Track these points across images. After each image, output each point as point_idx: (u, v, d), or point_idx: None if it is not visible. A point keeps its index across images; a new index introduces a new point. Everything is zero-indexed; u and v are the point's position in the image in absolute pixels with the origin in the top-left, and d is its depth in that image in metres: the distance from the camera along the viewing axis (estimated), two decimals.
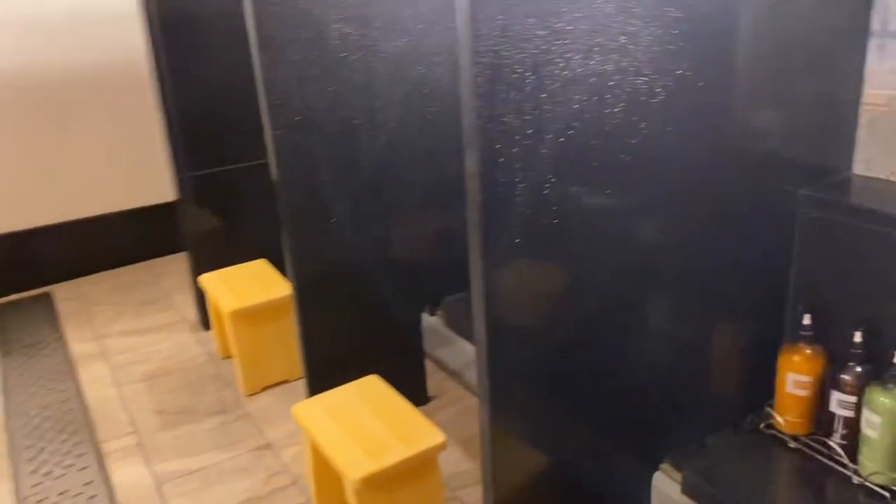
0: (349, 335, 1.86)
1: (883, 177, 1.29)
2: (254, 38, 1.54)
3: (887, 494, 1.16)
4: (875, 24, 1.24)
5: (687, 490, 1.29)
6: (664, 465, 1.34)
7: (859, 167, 1.32)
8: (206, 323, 2.51)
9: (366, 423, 1.45)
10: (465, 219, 1.02)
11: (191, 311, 2.62)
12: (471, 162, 0.97)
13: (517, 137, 0.97)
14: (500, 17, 0.91)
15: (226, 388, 2.17)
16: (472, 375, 2.10)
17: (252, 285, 2.17)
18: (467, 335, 1.95)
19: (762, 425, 1.35)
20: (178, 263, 3.02)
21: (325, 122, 1.68)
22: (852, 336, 1.20)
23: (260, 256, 2.38)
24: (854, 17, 1.24)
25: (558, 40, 0.96)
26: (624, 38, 1.01)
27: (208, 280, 2.26)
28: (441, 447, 1.38)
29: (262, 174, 1.97)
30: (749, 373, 1.37)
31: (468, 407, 1.99)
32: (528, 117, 0.97)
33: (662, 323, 1.24)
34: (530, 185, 1.00)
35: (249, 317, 2.06)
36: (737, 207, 1.23)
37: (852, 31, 1.25)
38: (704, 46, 1.09)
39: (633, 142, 1.07)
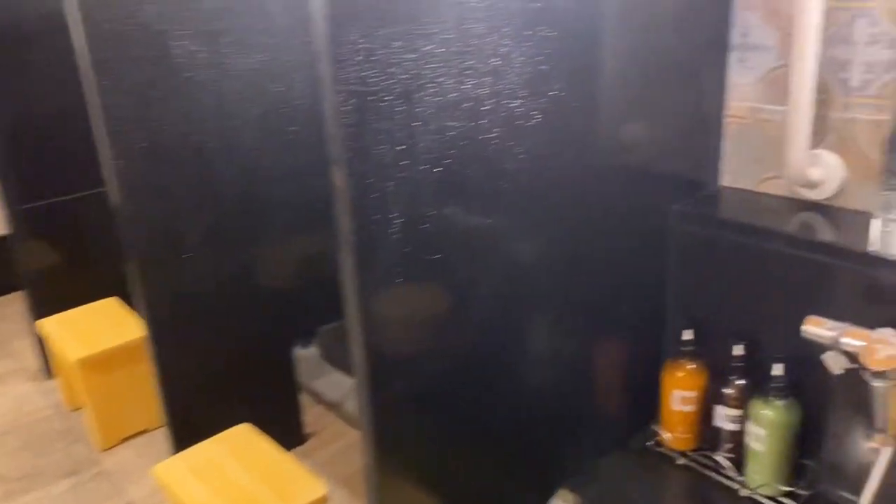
0: (214, 375, 1.71)
1: (749, 188, 1.31)
2: (85, 58, 1.37)
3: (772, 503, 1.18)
4: (735, 38, 1.25)
5: None
6: (561, 492, 1.30)
7: (726, 179, 1.34)
8: (49, 371, 2.26)
9: (237, 480, 1.32)
10: (337, 243, 0.93)
11: (31, 359, 2.35)
12: (340, 199, 0.88)
13: (390, 170, 0.89)
14: (362, 41, 0.82)
15: (77, 444, 1.94)
16: (351, 406, 2.00)
17: (101, 327, 1.96)
18: (345, 367, 1.85)
19: (650, 443, 1.33)
20: (13, 305, 2.71)
21: (174, 147, 1.53)
22: (733, 350, 1.21)
23: (111, 294, 2.16)
24: (715, 32, 1.25)
25: (428, 64, 0.88)
26: (496, 59, 0.95)
27: (51, 324, 2.02)
28: (322, 501, 1.27)
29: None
30: (635, 391, 1.36)
31: (350, 443, 1.89)
32: (401, 147, 0.89)
33: (547, 345, 1.20)
34: (407, 219, 0.92)
35: (100, 363, 1.86)
36: (615, 225, 1.21)
37: (714, 45, 1.26)
38: (577, 66, 1.05)
39: (512, 167, 1.01)
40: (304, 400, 2.01)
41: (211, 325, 1.68)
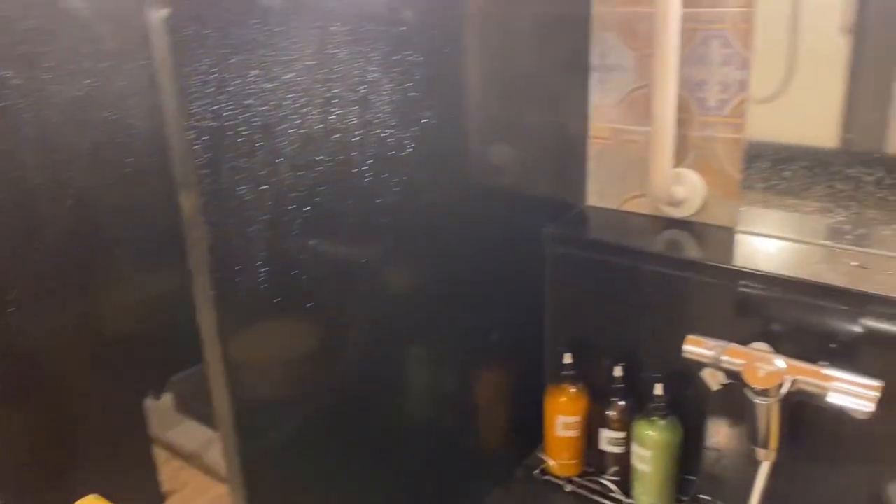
0: (51, 445, 1.51)
1: (615, 207, 1.32)
2: None
3: None
4: (594, 59, 1.25)
5: None
6: None
7: (593, 199, 1.34)
8: None
9: None
10: (188, 284, 0.82)
11: None
12: (196, 251, 0.77)
13: (253, 212, 0.79)
14: (214, 70, 0.72)
15: None
16: (212, 457, 1.84)
17: None
18: (203, 417, 1.70)
19: (536, 472, 1.30)
20: None
21: None
22: (614, 371, 1.20)
23: None
24: (574, 53, 1.25)
25: (290, 94, 0.80)
26: (364, 87, 0.87)
27: None
28: None
29: None
30: (519, 419, 1.32)
31: (215, 497, 1.73)
32: (264, 187, 0.80)
33: (427, 378, 1.14)
34: (275, 266, 0.83)
35: None
36: (491, 250, 1.17)
37: (574, 66, 1.26)
38: (445, 91, 1.00)
39: (387, 199, 0.94)
40: (159, 455, 1.82)
41: (45, 387, 1.48)
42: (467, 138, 1.08)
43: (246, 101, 0.76)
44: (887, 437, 1.00)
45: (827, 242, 1.11)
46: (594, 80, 1.27)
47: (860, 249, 1.08)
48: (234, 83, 0.74)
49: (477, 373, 1.23)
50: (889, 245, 1.06)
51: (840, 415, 0.97)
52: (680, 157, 1.21)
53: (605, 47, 1.24)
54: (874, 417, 0.95)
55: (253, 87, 0.76)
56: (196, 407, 1.73)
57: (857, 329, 1.00)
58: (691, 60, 1.15)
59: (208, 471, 1.83)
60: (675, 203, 1.22)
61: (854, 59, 1.02)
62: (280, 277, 0.84)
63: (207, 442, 1.86)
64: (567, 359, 1.24)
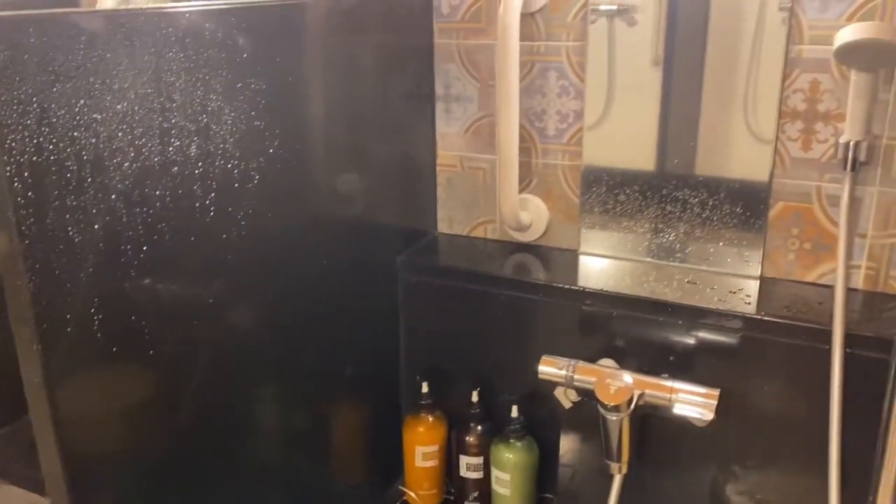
0: None
1: (465, 233, 1.34)
2: None
3: None
4: (439, 89, 1.27)
5: None
6: None
7: (444, 226, 1.35)
8: None
9: None
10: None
11: None
12: (15, 300, 0.69)
13: (84, 255, 0.72)
14: (36, 100, 0.65)
15: None
16: None
17: None
18: (21, 480, 1.52)
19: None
20: None
21: None
22: (470, 396, 1.21)
23: None
24: (420, 84, 1.26)
25: (123, 125, 0.74)
26: (206, 116, 0.83)
27: None
28: None
29: None
30: (379, 452, 1.30)
31: None
32: (97, 227, 0.73)
33: (282, 417, 1.09)
34: (110, 312, 0.76)
35: None
36: (344, 283, 1.14)
37: (420, 97, 1.27)
38: (291, 120, 0.97)
39: (233, 234, 0.89)
40: None
41: None
42: (315, 169, 1.05)
43: (73, 134, 0.69)
44: (723, 442, 1.08)
45: (661, 261, 1.18)
46: (440, 109, 1.28)
47: (690, 266, 1.16)
48: (58, 114, 0.68)
49: (332, 408, 1.19)
50: (713, 261, 1.14)
51: (681, 423, 1.03)
52: (524, 184, 1.25)
53: (449, 78, 1.26)
54: (711, 423, 1.02)
55: (81, 117, 0.70)
56: (13, 469, 1.55)
57: (691, 341, 1.06)
58: (530, 91, 1.19)
59: None
60: (522, 228, 1.25)
61: (664, 89, 1.10)
62: (117, 324, 0.77)
63: None
64: (424, 388, 1.23)
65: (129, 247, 0.76)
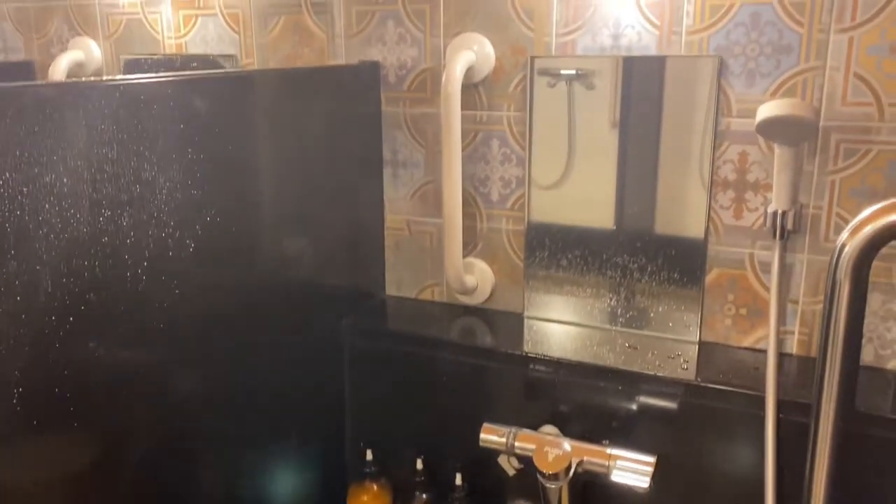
0: None
1: (412, 296, 1.34)
2: None
3: None
4: (387, 154, 1.29)
5: None
6: None
7: (391, 289, 1.35)
8: None
9: None
10: None
11: None
12: None
13: (5, 328, 0.71)
14: None
15: None
16: None
17: None
18: None
19: None
20: None
21: None
22: (415, 464, 1.19)
23: None
24: (368, 148, 1.28)
25: (51, 196, 0.74)
26: (139, 186, 0.83)
27: None
28: None
29: None
30: None
31: None
32: (19, 298, 0.72)
33: (219, 489, 1.06)
34: (32, 385, 0.75)
35: None
36: (289, 348, 1.14)
37: (368, 161, 1.28)
38: (231, 188, 0.98)
39: (166, 302, 0.89)
40: None
41: None
42: (259, 233, 1.06)
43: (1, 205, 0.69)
44: None
45: (604, 325, 1.19)
46: (387, 174, 1.30)
47: (632, 331, 1.17)
48: None
49: (275, 479, 1.17)
50: (654, 326, 1.16)
51: (623, 489, 1.03)
52: (470, 248, 1.26)
53: (397, 144, 1.28)
54: (651, 489, 1.02)
55: (6, 190, 0.70)
56: None
57: (632, 406, 1.07)
58: (474, 158, 1.22)
59: None
60: (468, 291, 1.26)
61: (621, 150, 1.13)
62: (39, 397, 0.75)
63: None
64: (368, 455, 1.22)
65: (53, 318, 0.76)
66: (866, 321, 1.04)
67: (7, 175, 0.70)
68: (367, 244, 1.32)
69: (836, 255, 0.70)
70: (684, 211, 1.10)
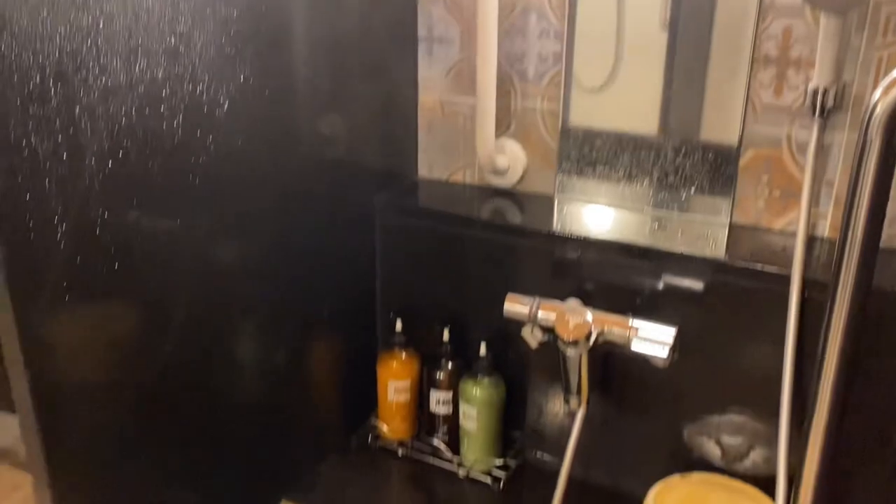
0: None
1: (444, 178, 1.35)
2: None
3: (488, 480, 1.22)
4: (421, 31, 1.28)
5: None
6: (283, 502, 1.23)
7: (424, 171, 1.36)
8: None
9: None
10: None
11: None
12: None
13: (48, 164, 0.74)
14: None
15: None
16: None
17: None
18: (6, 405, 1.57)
19: (370, 438, 1.32)
20: None
21: None
22: (442, 334, 1.23)
23: None
24: (402, 24, 1.26)
25: (88, 40, 0.76)
26: (174, 38, 0.84)
27: None
28: None
29: None
30: (353, 388, 1.33)
31: (30, 494, 1.61)
32: (60, 137, 0.75)
33: (254, 354, 1.12)
34: (75, 222, 0.78)
35: None
36: (319, 220, 1.16)
37: (402, 38, 1.27)
38: (265, 51, 0.98)
39: (201, 159, 0.92)
40: None
41: None
42: (292, 103, 1.07)
43: (38, 44, 0.71)
44: (683, 382, 1.10)
45: (635, 207, 1.19)
46: (422, 51, 1.29)
47: (663, 212, 1.17)
48: (22, 22, 0.70)
49: (309, 345, 1.22)
50: (686, 208, 1.15)
51: (644, 365, 1.05)
52: (503, 128, 1.26)
53: (432, 20, 1.26)
54: (673, 367, 1.04)
55: (44, 28, 0.72)
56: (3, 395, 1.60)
57: (657, 284, 1.08)
58: (511, 33, 1.20)
59: (23, 466, 1.70)
60: (499, 172, 1.27)
61: (669, 52, 1.10)
62: (81, 236, 0.79)
63: (20, 437, 1.72)
64: (398, 325, 1.26)
65: (92, 161, 0.79)
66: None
67: (45, 13, 0.71)
68: (400, 124, 1.32)
69: (867, 114, 0.68)
70: (724, 99, 1.07)
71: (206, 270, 0.98)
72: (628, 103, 1.15)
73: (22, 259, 0.75)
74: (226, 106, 0.93)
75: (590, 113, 1.18)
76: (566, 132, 1.20)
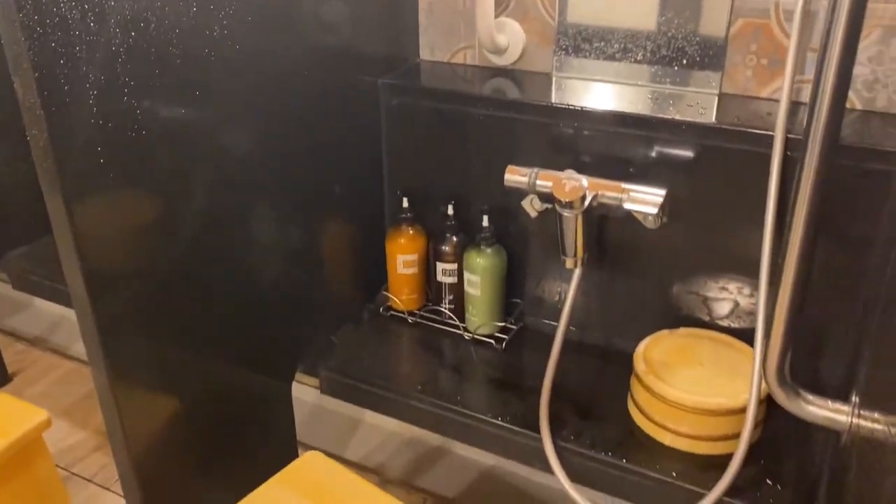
0: None
1: (445, 60, 1.39)
2: None
3: (492, 341, 1.32)
4: None
5: (326, 390, 1.30)
6: (298, 374, 1.33)
7: (425, 53, 1.40)
8: None
9: None
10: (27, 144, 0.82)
11: None
12: (19, 62, 0.77)
13: (78, 32, 0.80)
14: None
15: None
16: (62, 338, 1.82)
17: None
18: (47, 293, 1.66)
19: (381, 309, 1.41)
20: None
21: None
22: (446, 210, 1.30)
23: None
24: None
25: None
26: None
27: None
28: (45, 425, 1.16)
29: None
30: (363, 263, 1.41)
31: (64, 374, 1.72)
32: (86, 5, 0.80)
33: (272, 234, 1.19)
34: (103, 88, 0.84)
35: None
36: (325, 103, 1.21)
37: None
38: None
39: (215, 34, 0.96)
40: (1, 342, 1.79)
41: None
42: None
43: None
44: (674, 248, 1.18)
45: (629, 81, 1.24)
46: None
47: (656, 86, 1.22)
48: None
49: (323, 224, 1.29)
50: (679, 81, 1.20)
51: (636, 228, 1.13)
52: (502, 7, 1.29)
53: None
54: (663, 229, 1.11)
55: None
56: (35, 284, 1.69)
57: (650, 153, 1.14)
58: None
59: (57, 350, 1.81)
60: (499, 51, 1.31)
61: None
62: (109, 99, 0.85)
63: (53, 325, 1.83)
64: (405, 202, 1.33)
65: (116, 30, 0.84)
66: (883, 67, 1.07)
67: None
68: (401, 8, 1.35)
69: None
70: None
71: (222, 152, 1.04)
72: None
73: (63, 131, 0.81)
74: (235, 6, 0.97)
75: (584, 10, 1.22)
76: (563, 9, 1.24)
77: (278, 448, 1.31)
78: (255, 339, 1.20)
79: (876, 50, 1.06)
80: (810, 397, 0.83)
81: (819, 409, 0.81)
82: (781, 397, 0.84)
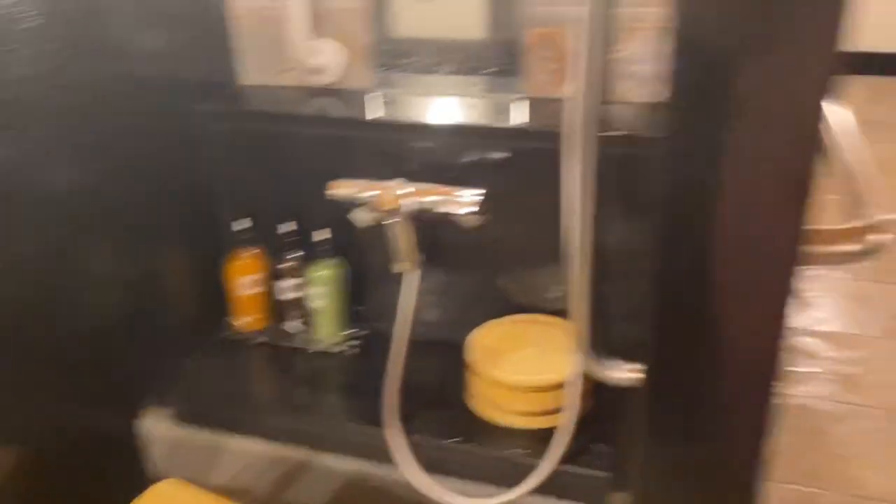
0: None
1: (267, 83, 1.42)
2: None
3: (341, 350, 1.37)
4: None
5: (181, 419, 1.29)
6: (152, 408, 1.32)
7: (249, 77, 1.42)
8: None
9: None
10: None
11: None
12: None
13: None
14: None
15: None
16: None
17: None
18: None
19: (226, 334, 1.42)
20: None
21: None
22: (286, 228, 1.33)
23: None
24: None
25: None
26: None
27: None
28: None
29: None
30: (205, 290, 1.41)
31: None
32: None
33: (103, 267, 1.18)
34: None
35: None
36: (146, 137, 1.22)
37: None
38: None
39: (15, 74, 0.95)
40: None
41: None
42: (103, 19, 1.10)
43: None
44: (496, 243, 1.27)
45: (444, 93, 1.32)
46: None
47: (472, 98, 1.31)
48: None
49: (156, 255, 1.29)
50: (491, 88, 1.30)
51: (462, 229, 1.21)
52: (320, 29, 1.34)
53: None
54: (486, 226, 1.20)
55: None
56: None
57: (467, 157, 1.23)
58: None
59: None
60: (319, 72, 1.36)
61: None
62: None
63: None
64: (241, 225, 1.35)
65: None
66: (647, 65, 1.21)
67: None
68: (214, 33, 1.37)
69: None
70: None
71: (41, 190, 1.02)
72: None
73: None
74: (39, 20, 0.97)
75: (406, 18, 1.29)
76: (380, 30, 1.31)
77: (131, 486, 1.29)
78: (100, 375, 1.18)
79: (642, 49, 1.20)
80: (608, 362, 0.92)
81: (616, 372, 0.91)
82: (586, 365, 0.94)
